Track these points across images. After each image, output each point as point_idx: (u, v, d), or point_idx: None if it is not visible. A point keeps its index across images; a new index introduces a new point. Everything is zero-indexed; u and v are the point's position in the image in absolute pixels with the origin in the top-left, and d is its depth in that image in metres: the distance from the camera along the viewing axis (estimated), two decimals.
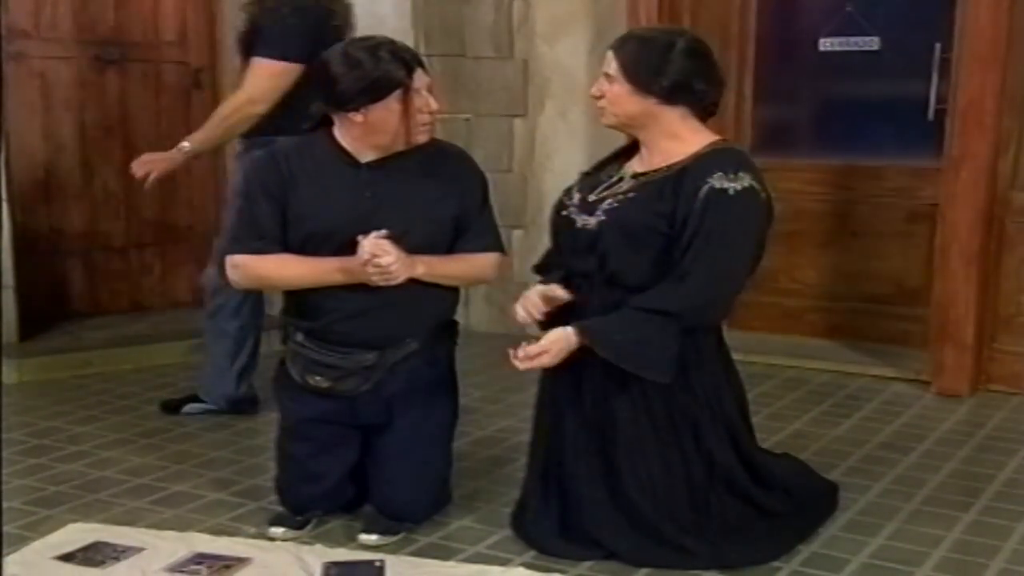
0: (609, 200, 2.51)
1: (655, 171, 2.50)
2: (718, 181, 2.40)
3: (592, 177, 2.64)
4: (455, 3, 4.71)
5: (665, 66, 2.44)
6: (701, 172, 2.42)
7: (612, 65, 2.50)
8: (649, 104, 2.47)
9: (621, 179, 2.55)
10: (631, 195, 2.49)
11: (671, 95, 2.46)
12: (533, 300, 2.56)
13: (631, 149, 2.64)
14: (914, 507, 2.86)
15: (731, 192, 2.40)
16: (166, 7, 4.63)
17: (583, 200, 2.56)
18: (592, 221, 2.51)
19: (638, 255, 2.46)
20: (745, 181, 2.42)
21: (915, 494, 2.95)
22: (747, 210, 2.44)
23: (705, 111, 2.53)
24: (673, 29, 2.57)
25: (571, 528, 2.56)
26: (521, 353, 2.47)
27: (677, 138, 2.50)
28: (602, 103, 2.54)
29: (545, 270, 2.67)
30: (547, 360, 2.46)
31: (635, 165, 2.57)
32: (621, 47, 2.51)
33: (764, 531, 2.57)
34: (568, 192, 2.63)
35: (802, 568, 2.50)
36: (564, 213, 2.59)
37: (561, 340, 2.45)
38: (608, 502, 2.52)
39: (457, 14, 4.72)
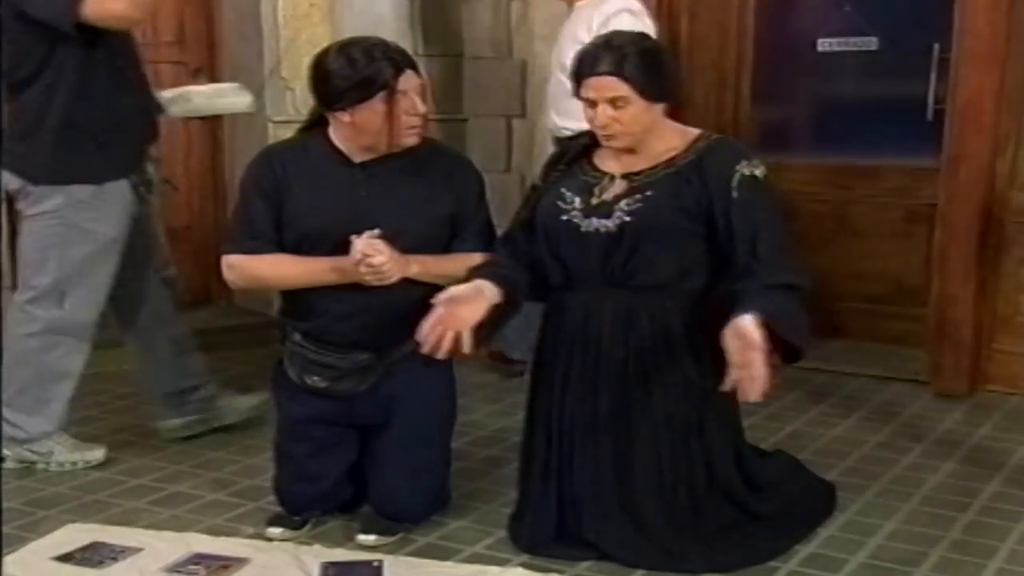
0: (626, 200, 2.48)
1: (651, 169, 2.50)
2: (747, 168, 2.43)
3: (571, 180, 2.59)
4: (453, 3, 4.71)
5: (665, 71, 2.46)
6: (723, 161, 2.45)
7: (622, 88, 2.41)
8: (656, 111, 2.49)
9: (612, 179, 2.54)
10: (649, 193, 2.47)
11: (672, 96, 2.49)
12: None
13: (588, 148, 2.62)
14: (912, 507, 2.86)
15: (761, 177, 2.45)
16: (164, 7, 4.61)
17: (586, 204, 2.54)
18: (609, 223, 2.47)
19: (666, 252, 2.46)
20: (762, 165, 2.47)
21: (913, 494, 2.95)
22: (775, 191, 2.51)
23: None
24: (635, 35, 2.56)
25: (568, 530, 2.56)
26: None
27: (659, 134, 2.53)
28: (614, 130, 2.47)
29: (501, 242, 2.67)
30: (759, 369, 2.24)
31: (615, 166, 2.55)
32: (622, 68, 2.40)
33: (759, 534, 2.57)
34: (560, 196, 2.57)
35: (800, 568, 2.50)
36: (564, 219, 2.54)
37: (749, 333, 2.23)
38: (614, 503, 2.51)
39: (455, 15, 4.72)
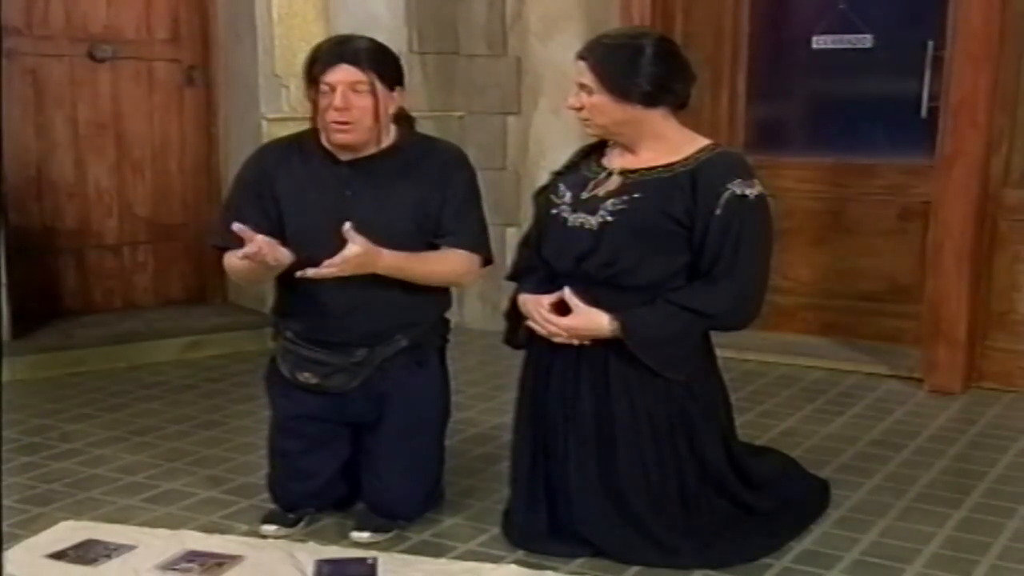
0: (612, 200, 2.47)
1: (648, 169, 2.49)
2: (738, 187, 2.41)
3: (572, 175, 2.60)
4: (448, 1, 4.71)
5: (640, 72, 2.42)
6: (717, 176, 2.42)
7: (587, 76, 2.46)
8: (632, 110, 2.46)
9: (610, 175, 2.53)
10: (636, 195, 2.45)
11: (652, 99, 2.45)
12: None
13: (600, 145, 2.62)
14: (906, 504, 2.87)
15: (751, 197, 2.43)
16: (159, 4, 4.61)
17: (576, 198, 2.54)
18: (593, 220, 2.47)
19: (647, 255, 2.45)
20: (759, 187, 2.45)
21: (907, 491, 2.95)
22: (767, 214, 2.48)
23: (681, 107, 2.53)
24: (638, 32, 2.54)
25: (560, 526, 2.56)
26: (546, 312, 2.47)
27: (662, 138, 2.50)
28: (584, 114, 2.50)
29: (521, 276, 2.65)
30: (565, 329, 2.45)
31: (617, 162, 2.54)
32: (591, 56, 2.47)
33: (752, 530, 2.58)
34: (554, 190, 2.58)
35: (793, 565, 2.51)
36: (554, 212, 2.55)
37: (594, 321, 2.44)
38: (602, 500, 2.51)
39: (450, 12, 4.72)
